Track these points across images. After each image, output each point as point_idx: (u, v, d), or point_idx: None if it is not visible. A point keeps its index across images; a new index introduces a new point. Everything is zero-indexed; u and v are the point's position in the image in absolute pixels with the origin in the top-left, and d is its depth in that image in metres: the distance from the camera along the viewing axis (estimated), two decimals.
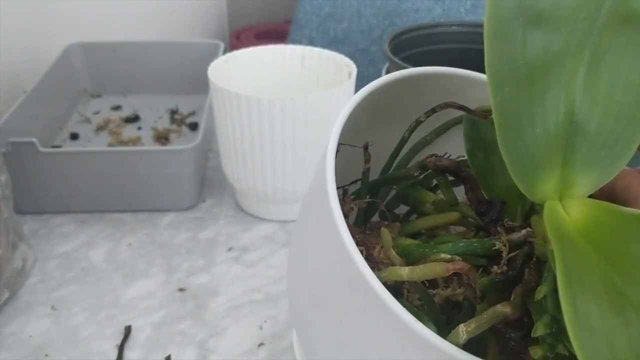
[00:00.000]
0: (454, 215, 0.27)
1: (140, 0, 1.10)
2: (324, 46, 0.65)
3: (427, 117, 0.30)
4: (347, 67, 0.56)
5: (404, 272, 0.23)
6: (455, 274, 0.23)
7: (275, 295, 0.50)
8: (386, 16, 1.10)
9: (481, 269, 0.24)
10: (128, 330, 0.46)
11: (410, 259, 0.25)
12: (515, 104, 0.20)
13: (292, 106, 0.49)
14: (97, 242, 0.56)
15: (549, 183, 0.21)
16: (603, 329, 0.16)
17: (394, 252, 0.24)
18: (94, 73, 0.81)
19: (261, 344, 0.45)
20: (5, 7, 0.75)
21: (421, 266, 0.23)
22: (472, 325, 0.21)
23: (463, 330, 0.21)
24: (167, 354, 0.44)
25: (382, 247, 0.25)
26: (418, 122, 0.30)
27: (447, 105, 0.29)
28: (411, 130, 0.30)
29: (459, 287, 0.24)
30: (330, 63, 0.58)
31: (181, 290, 0.50)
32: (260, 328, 0.46)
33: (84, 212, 0.59)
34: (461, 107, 0.28)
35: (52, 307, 0.48)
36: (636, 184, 0.24)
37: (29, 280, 0.51)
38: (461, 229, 0.29)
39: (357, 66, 0.56)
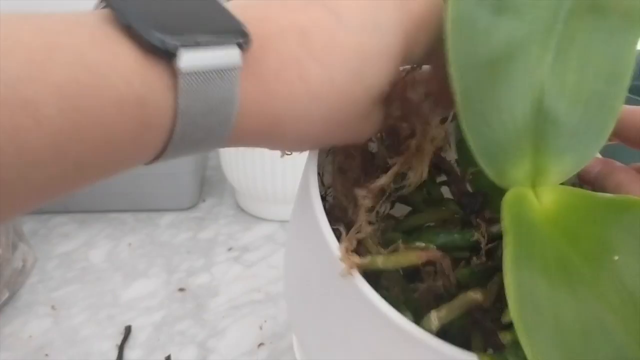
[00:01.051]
0: (445, 212, 0.27)
1: None
2: None
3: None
4: None
5: (379, 261, 0.23)
6: (433, 265, 0.23)
7: (275, 295, 0.50)
8: None
9: (463, 261, 0.24)
10: (128, 330, 0.46)
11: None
12: (479, 90, 0.20)
13: None
14: (97, 242, 0.56)
15: (520, 169, 0.21)
16: (549, 304, 0.17)
17: (370, 242, 0.24)
18: None
19: (261, 344, 0.45)
20: (5, 7, 0.75)
21: (395, 254, 0.23)
22: (443, 311, 0.21)
23: (435, 317, 0.21)
24: (167, 354, 0.44)
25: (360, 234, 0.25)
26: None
27: None
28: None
29: (439, 279, 0.24)
30: None
31: (181, 290, 0.50)
32: (260, 328, 0.46)
33: (84, 212, 0.59)
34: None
35: (52, 307, 0.48)
36: (628, 182, 0.24)
37: (29, 280, 0.51)
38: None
39: None
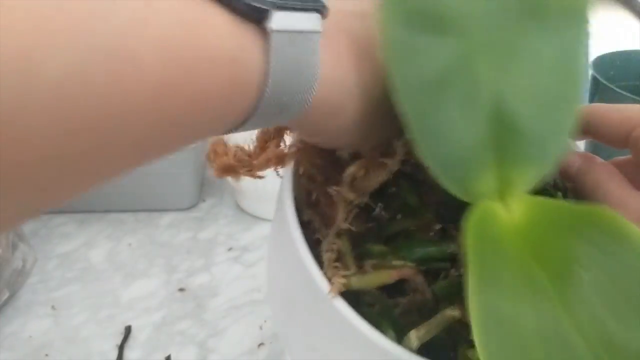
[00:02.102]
0: (425, 218, 0.27)
1: None
2: None
3: None
4: None
5: (354, 281, 0.23)
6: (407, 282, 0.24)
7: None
8: None
9: (442, 272, 0.24)
10: (128, 330, 0.46)
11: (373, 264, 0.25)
12: (428, 110, 0.20)
13: None
14: (97, 242, 0.56)
15: (485, 183, 0.21)
16: (512, 322, 0.17)
17: (348, 260, 0.25)
18: None
19: (261, 344, 0.45)
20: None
21: (368, 275, 0.23)
22: (422, 331, 0.21)
23: (414, 337, 0.21)
24: (167, 354, 0.44)
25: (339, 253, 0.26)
26: None
27: None
28: None
29: (414, 293, 0.24)
30: None
31: (181, 290, 0.50)
32: (260, 328, 0.46)
33: (84, 212, 0.59)
34: None
35: (52, 307, 0.48)
36: (605, 180, 0.24)
37: (29, 280, 0.51)
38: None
39: None
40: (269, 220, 0.59)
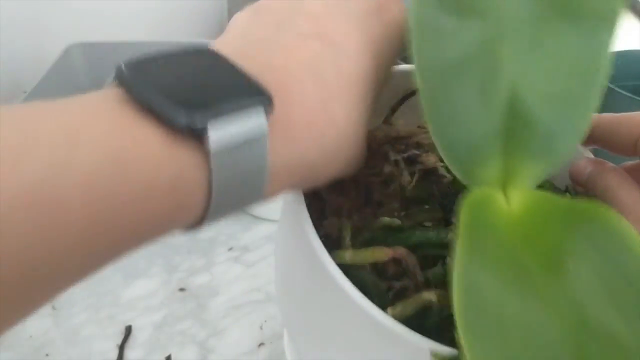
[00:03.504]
0: (428, 211, 0.28)
1: (141, 0, 1.10)
2: None
3: (399, 105, 0.30)
4: None
5: (347, 256, 0.23)
6: (399, 262, 0.24)
7: (276, 295, 0.50)
8: None
9: (441, 260, 0.25)
10: (128, 330, 0.46)
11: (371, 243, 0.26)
12: (445, 92, 0.20)
13: None
14: None
15: (489, 170, 0.21)
16: (495, 304, 0.17)
17: (347, 241, 0.25)
18: (94, 73, 0.81)
19: (261, 344, 0.45)
20: (6, 7, 0.75)
21: (363, 250, 0.24)
22: (398, 309, 0.22)
23: (389, 313, 0.22)
24: (167, 354, 0.44)
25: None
26: (392, 111, 0.30)
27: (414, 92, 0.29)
28: (387, 118, 0.31)
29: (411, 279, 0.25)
30: None
31: (181, 290, 0.50)
32: (261, 328, 0.46)
33: None
34: None
35: (53, 307, 0.48)
36: (615, 185, 0.24)
37: None
38: None
39: None
40: (269, 220, 0.59)
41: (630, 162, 0.27)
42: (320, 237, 0.23)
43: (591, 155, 0.28)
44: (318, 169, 0.21)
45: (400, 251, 0.24)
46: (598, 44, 0.21)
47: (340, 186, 0.28)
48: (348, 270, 0.22)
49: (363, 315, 0.21)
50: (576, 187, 0.27)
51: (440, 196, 0.27)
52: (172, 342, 0.45)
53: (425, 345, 0.20)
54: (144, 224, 0.16)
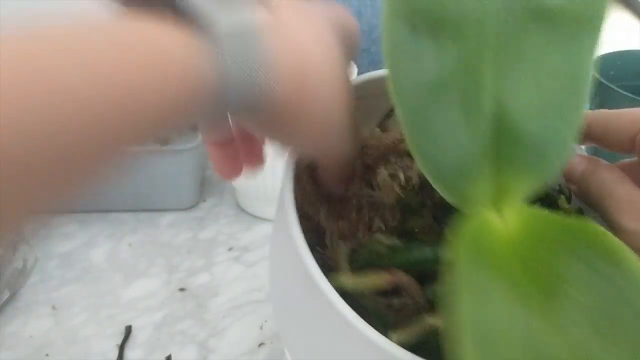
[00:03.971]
0: (427, 219, 0.27)
1: None
2: None
3: (393, 110, 0.30)
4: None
5: (349, 284, 0.23)
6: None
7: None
8: None
9: (440, 275, 0.25)
10: (128, 330, 0.46)
11: (369, 264, 0.26)
12: (426, 114, 0.20)
13: None
14: (97, 242, 0.56)
15: (480, 190, 0.21)
16: (499, 334, 0.17)
17: (345, 264, 0.25)
18: None
19: (261, 344, 0.45)
20: (6, 7, 0.75)
21: (364, 279, 0.24)
22: (403, 336, 0.22)
23: (394, 340, 0.21)
24: (167, 354, 0.44)
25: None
26: (387, 116, 0.30)
27: None
28: (381, 122, 0.31)
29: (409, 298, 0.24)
30: None
31: (181, 290, 0.50)
32: (261, 328, 0.46)
33: (84, 212, 0.59)
34: None
35: (53, 307, 0.48)
36: (611, 180, 0.24)
37: (30, 280, 0.51)
38: None
39: (358, 66, 0.55)
40: (269, 220, 0.59)
41: (624, 160, 0.27)
42: (316, 259, 0.23)
43: (584, 153, 0.28)
44: (316, 91, 0.21)
45: (400, 276, 0.23)
46: (581, 50, 0.20)
47: (339, 209, 0.28)
48: (345, 291, 0.22)
49: (367, 343, 0.20)
50: (569, 185, 0.27)
51: (433, 207, 0.27)
52: (172, 342, 0.45)
53: None
54: (161, 102, 0.17)
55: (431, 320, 0.22)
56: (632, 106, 0.26)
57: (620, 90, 0.52)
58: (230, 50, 0.18)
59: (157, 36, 0.18)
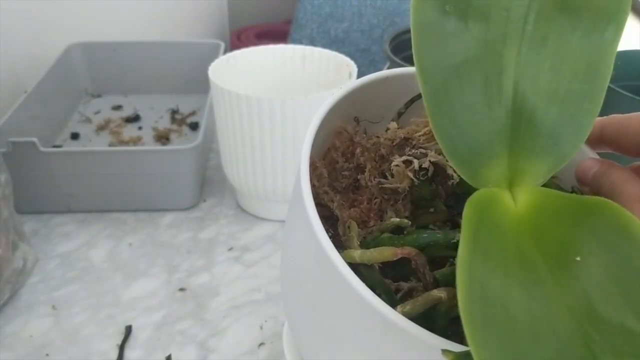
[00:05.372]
0: (441, 214, 0.28)
1: (141, 0, 1.10)
2: (324, 46, 0.65)
3: (407, 107, 0.30)
4: (347, 67, 0.56)
5: (356, 255, 0.23)
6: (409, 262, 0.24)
7: (276, 295, 0.50)
8: (387, 16, 1.09)
9: (449, 261, 0.25)
10: (128, 330, 0.46)
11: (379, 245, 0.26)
12: (447, 93, 0.20)
13: (292, 106, 0.49)
14: (97, 241, 0.56)
15: (494, 171, 0.21)
16: (501, 300, 0.17)
17: (355, 242, 0.25)
18: (94, 73, 0.81)
19: (262, 344, 0.45)
20: (6, 7, 0.75)
21: (372, 250, 0.24)
22: (407, 307, 0.22)
23: (399, 311, 0.21)
24: (167, 354, 0.44)
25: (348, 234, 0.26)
26: (399, 114, 0.30)
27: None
28: (394, 121, 0.31)
29: (418, 280, 0.24)
30: (330, 63, 0.58)
31: (182, 290, 0.50)
32: (261, 328, 0.46)
33: (84, 211, 0.59)
34: None
35: (53, 307, 0.48)
36: (622, 181, 0.24)
37: (30, 279, 0.51)
38: None
39: (358, 66, 0.56)
40: (269, 220, 0.59)
41: (637, 163, 0.27)
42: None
43: (597, 157, 0.28)
44: None
45: (409, 250, 0.23)
46: (603, 42, 0.21)
47: (352, 198, 0.28)
48: (356, 269, 0.22)
49: (372, 314, 0.21)
50: (582, 187, 0.27)
51: (446, 197, 0.27)
52: (172, 342, 0.45)
53: (436, 342, 0.19)
54: None
55: (436, 293, 0.22)
56: (633, 106, 0.26)
57: (621, 91, 0.52)
58: None
59: None
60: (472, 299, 0.16)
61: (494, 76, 0.21)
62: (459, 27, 0.20)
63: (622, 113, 0.26)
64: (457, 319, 0.22)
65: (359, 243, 0.25)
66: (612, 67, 0.21)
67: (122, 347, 0.44)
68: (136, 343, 0.45)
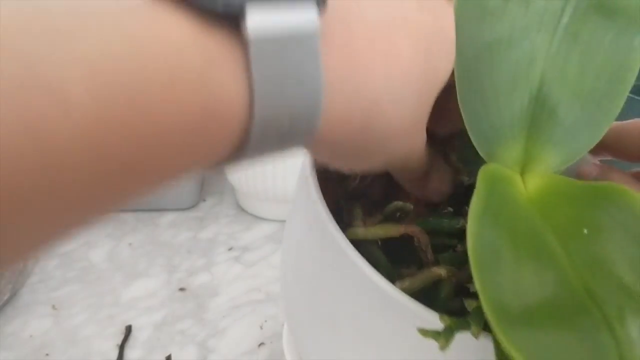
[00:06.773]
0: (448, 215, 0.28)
1: None
2: None
3: None
4: None
5: (360, 231, 0.24)
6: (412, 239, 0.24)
7: (276, 294, 0.50)
8: None
9: (451, 249, 0.25)
10: (128, 330, 0.46)
11: None
12: (479, 70, 0.21)
13: None
14: (97, 241, 0.56)
15: (511, 152, 0.22)
16: (511, 271, 0.17)
17: (359, 221, 0.25)
18: None
19: (261, 344, 0.45)
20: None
21: (376, 226, 0.24)
22: (407, 283, 0.22)
23: (398, 287, 0.22)
24: (167, 354, 0.44)
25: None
26: None
27: None
28: None
29: (419, 268, 0.25)
30: None
31: (182, 289, 0.50)
32: (261, 328, 0.46)
33: None
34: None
35: (53, 307, 0.48)
36: (621, 183, 0.24)
37: (30, 279, 0.51)
38: None
39: None
40: (269, 220, 0.59)
41: (637, 169, 0.27)
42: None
43: (597, 163, 0.28)
44: (384, 112, 0.17)
45: (412, 228, 0.24)
46: (633, 48, 0.21)
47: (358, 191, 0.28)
48: (358, 246, 0.22)
49: (371, 289, 0.21)
50: None
51: (453, 187, 0.27)
52: (172, 342, 0.45)
53: (433, 318, 0.20)
54: (165, 132, 0.12)
55: (435, 270, 0.23)
56: (633, 106, 0.26)
57: None
58: (262, 58, 0.13)
59: (170, 30, 0.12)
60: (481, 245, 0.17)
61: (524, 61, 0.21)
62: (500, 6, 0.21)
63: (623, 113, 0.26)
64: (456, 299, 0.23)
65: (362, 223, 0.25)
66: (636, 73, 0.21)
67: (122, 347, 0.44)
68: (136, 343, 0.45)
